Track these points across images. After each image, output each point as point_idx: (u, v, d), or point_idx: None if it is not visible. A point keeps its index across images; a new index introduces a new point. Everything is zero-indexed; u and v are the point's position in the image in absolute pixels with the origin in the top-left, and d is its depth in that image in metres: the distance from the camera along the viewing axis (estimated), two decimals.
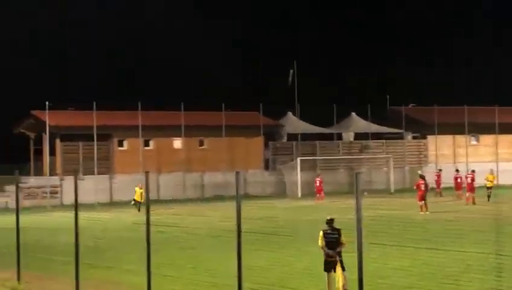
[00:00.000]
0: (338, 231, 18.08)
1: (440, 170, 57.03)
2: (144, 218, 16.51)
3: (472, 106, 68.93)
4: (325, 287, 17.88)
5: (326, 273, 17.87)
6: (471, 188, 46.15)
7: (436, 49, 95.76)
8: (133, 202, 47.65)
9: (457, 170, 53.42)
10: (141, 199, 45.05)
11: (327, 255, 17.82)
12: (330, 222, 18.33)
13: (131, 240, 28.64)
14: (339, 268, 17.65)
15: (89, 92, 67.22)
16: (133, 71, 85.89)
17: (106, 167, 58.82)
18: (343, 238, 17.95)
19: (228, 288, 18.23)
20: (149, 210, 16.03)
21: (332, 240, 17.92)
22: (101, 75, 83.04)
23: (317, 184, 54.54)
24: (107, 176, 58.23)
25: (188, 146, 61.37)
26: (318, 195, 53.19)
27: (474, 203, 43.94)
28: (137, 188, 46.91)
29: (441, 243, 25.48)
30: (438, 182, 55.07)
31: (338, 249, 17.82)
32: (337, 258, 17.75)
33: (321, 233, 18.07)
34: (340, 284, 17.60)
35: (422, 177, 43.12)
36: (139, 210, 44.93)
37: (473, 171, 49.19)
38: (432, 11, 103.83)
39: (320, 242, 17.95)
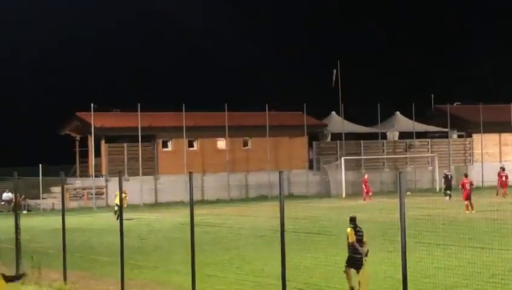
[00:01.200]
0: (362, 229, 18.16)
1: (503, 168, 53.69)
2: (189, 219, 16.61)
3: None
4: (347, 281, 17.91)
5: (347, 268, 17.85)
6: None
7: (483, 46, 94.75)
8: (116, 208, 39.41)
9: (503, 168, 52.94)
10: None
11: (355, 252, 17.78)
12: (354, 219, 18.35)
13: (177, 241, 28.84)
14: (365, 269, 17.61)
15: (133, 94, 67.85)
16: (177, 72, 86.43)
17: (151, 167, 59.22)
18: (366, 239, 18.06)
19: (273, 288, 18.29)
20: (193, 210, 16.13)
21: (360, 238, 18.01)
22: (146, 77, 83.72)
23: (366, 183, 53.86)
24: (152, 176, 58.65)
25: (232, 146, 61.55)
26: (366, 194, 52.69)
27: None
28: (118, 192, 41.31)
29: (487, 242, 25.30)
30: (503, 182, 51.97)
31: (365, 248, 17.84)
32: (365, 257, 17.73)
33: (350, 229, 18.00)
34: (365, 284, 17.51)
35: (467, 176, 43.04)
36: (117, 218, 37.47)
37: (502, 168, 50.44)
38: (476, 9, 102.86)
39: (351, 238, 17.87)
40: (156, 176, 58.90)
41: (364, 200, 50.62)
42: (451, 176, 52.97)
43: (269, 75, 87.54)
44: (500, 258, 21.77)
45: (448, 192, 49.94)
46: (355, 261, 17.75)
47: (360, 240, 17.97)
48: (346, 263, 17.92)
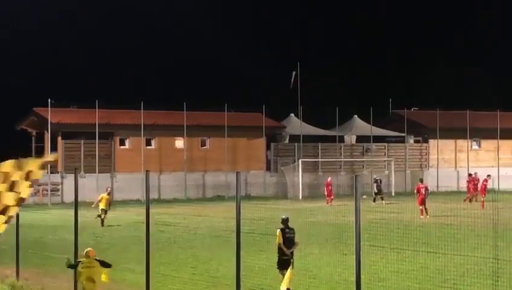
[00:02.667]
0: (293, 230, 18.37)
1: (470, 174, 53.73)
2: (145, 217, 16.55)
3: (474, 111, 68.96)
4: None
5: (279, 271, 18.07)
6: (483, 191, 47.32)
7: (440, 52, 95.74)
8: (100, 212, 37.37)
9: (470, 174, 53.04)
10: (107, 207, 37.61)
11: (283, 254, 18.02)
12: (286, 220, 18.54)
13: (132, 239, 28.75)
14: (290, 267, 17.90)
15: (92, 91, 67.38)
16: (135, 70, 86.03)
17: (107, 165, 58.88)
18: (297, 240, 18.28)
19: (227, 288, 18.29)
20: (149, 209, 16.07)
21: (290, 239, 18.21)
22: (104, 74, 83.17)
23: (328, 187, 53.58)
24: (108, 174, 58.30)
25: (190, 146, 61.43)
26: (328, 197, 52.55)
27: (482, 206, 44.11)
28: (104, 195, 38.43)
29: (440, 247, 25.56)
30: (471, 187, 51.32)
31: (293, 248, 18.14)
32: (292, 257, 18.05)
33: (279, 231, 18.22)
34: (287, 282, 17.77)
35: (422, 181, 43.51)
36: (102, 224, 36.34)
37: (488, 175, 50.47)
38: (435, 14, 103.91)
39: (279, 239, 18.10)
40: (112, 174, 58.56)
41: (327, 203, 50.75)
42: (380, 181, 53.77)
43: (229, 75, 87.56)
44: (452, 263, 22.01)
45: (375, 197, 51.50)
46: (283, 262, 18.00)
47: (291, 240, 18.18)
48: (277, 265, 18.12)
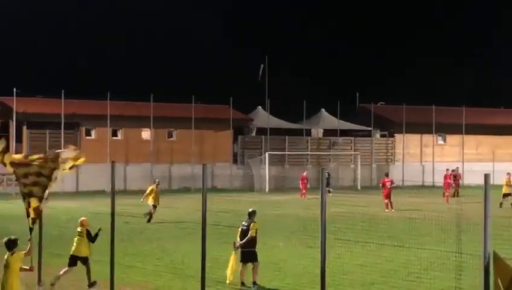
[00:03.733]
0: (250, 223, 18.71)
1: (448, 169, 52.93)
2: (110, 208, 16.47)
3: (440, 106, 69.48)
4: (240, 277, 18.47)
5: (241, 264, 18.46)
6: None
7: (407, 48, 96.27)
8: (151, 209, 34.96)
9: (448, 169, 53.06)
10: (157, 202, 35.16)
11: (236, 247, 18.48)
12: (250, 213, 19.02)
13: (97, 230, 28.54)
14: (236, 258, 18.31)
15: (58, 81, 66.84)
16: (103, 61, 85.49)
17: None
18: (253, 231, 18.52)
19: (192, 280, 18.25)
20: (114, 200, 15.98)
21: (244, 231, 18.65)
22: (71, 64, 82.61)
23: (303, 181, 53.50)
24: None
25: (156, 137, 61.22)
26: (303, 191, 52.47)
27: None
28: (153, 186, 36.53)
29: (405, 240, 25.74)
30: (455, 182, 51.52)
31: (243, 241, 18.44)
32: (249, 249, 18.38)
33: (255, 224, 18.84)
34: (230, 274, 18.24)
35: (388, 175, 43.74)
36: (149, 220, 33.85)
37: (453, 170, 51.32)
38: (402, 11, 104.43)
39: (253, 232, 18.62)
40: (77, 165, 58.06)
41: (301, 196, 50.78)
42: (329, 174, 54.35)
43: (196, 67, 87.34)
44: (416, 256, 22.17)
45: (329, 189, 51.71)
46: (241, 255, 18.44)
47: (243, 234, 18.63)
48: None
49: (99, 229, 17.92)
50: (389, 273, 19.21)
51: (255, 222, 18.82)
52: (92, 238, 18.09)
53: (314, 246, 22.28)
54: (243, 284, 18.35)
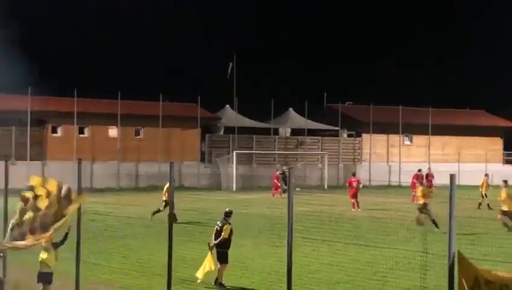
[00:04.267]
0: (224, 225, 18.90)
1: (420, 170, 52.45)
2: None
3: (407, 107, 69.95)
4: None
5: (218, 264, 18.61)
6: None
7: (374, 48, 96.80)
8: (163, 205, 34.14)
9: (420, 170, 52.92)
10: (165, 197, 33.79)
11: (210, 247, 18.64)
12: (226, 213, 19.28)
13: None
14: (212, 258, 18.35)
15: (26, 77, 66.24)
16: (70, 58, 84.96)
17: (39, 153, 58.04)
18: (224, 233, 18.71)
19: (158, 278, 18.21)
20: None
21: (218, 232, 18.91)
22: (38, 60, 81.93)
23: (276, 179, 53.62)
24: (40, 162, 57.48)
25: (123, 135, 60.92)
26: (275, 190, 52.57)
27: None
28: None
29: (371, 240, 25.88)
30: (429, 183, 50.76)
31: (215, 241, 18.61)
32: (215, 249, 18.59)
33: (228, 225, 19.05)
34: (201, 273, 18.21)
35: (354, 174, 43.90)
36: (155, 213, 33.63)
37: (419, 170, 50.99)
38: (370, 11, 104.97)
39: (226, 234, 18.85)
40: (43, 162, 57.75)
41: (273, 195, 50.81)
42: (285, 172, 55.02)
43: (164, 65, 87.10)
44: (382, 256, 22.30)
45: (285, 188, 51.88)
46: (217, 255, 18.64)
47: (217, 234, 18.86)
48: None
49: (68, 229, 17.12)
50: (354, 272, 19.31)
51: (229, 224, 18.85)
52: (59, 244, 16.55)
53: (281, 245, 22.31)
54: (220, 284, 18.32)
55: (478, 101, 79.45)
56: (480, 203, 41.53)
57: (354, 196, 40.47)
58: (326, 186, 61.52)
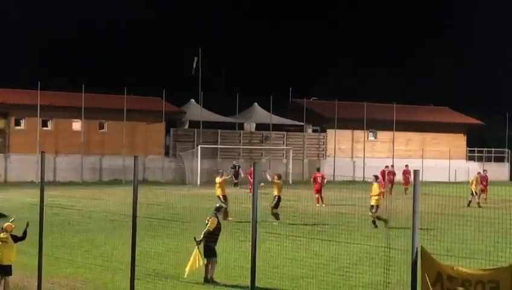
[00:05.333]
0: (209, 218, 18.89)
1: (387, 166, 52.73)
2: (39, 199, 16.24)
3: (371, 103, 70.30)
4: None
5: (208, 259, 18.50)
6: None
7: (340, 44, 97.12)
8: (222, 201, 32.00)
9: (387, 166, 52.81)
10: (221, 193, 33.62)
11: (197, 241, 18.51)
12: (216, 208, 19.31)
13: (25, 221, 28.13)
14: (199, 255, 18.19)
15: None
16: (33, 49, 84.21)
17: (1, 145, 57.46)
18: (209, 226, 18.64)
19: (121, 273, 18.12)
20: (43, 191, 15.76)
21: (219, 228, 18.91)
22: (1, 52, 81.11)
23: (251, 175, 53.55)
24: (2, 154, 56.93)
25: (87, 128, 60.50)
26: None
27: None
28: (218, 178, 34.61)
29: (335, 235, 25.97)
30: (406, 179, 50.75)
31: (201, 237, 18.51)
32: (200, 243, 18.39)
33: (214, 219, 18.96)
34: (188, 269, 18.09)
35: (319, 170, 44.00)
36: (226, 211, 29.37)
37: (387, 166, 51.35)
38: (342, 5, 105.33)
39: (210, 227, 18.80)
40: (6, 155, 57.21)
41: (250, 191, 50.75)
42: (239, 167, 56.40)
43: (129, 58, 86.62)
44: (346, 251, 22.37)
45: (236, 181, 54.10)
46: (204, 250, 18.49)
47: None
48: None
49: (27, 225, 16.61)
50: (318, 267, 19.35)
51: (215, 217, 18.79)
52: (20, 238, 16.53)
53: (245, 240, 22.33)
54: (211, 281, 18.21)
55: (442, 98, 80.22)
56: (470, 201, 40.95)
57: (318, 191, 40.55)
58: (291, 182, 61.59)
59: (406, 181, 50.25)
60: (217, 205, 19.56)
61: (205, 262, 18.30)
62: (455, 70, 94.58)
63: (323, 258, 20.73)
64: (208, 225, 18.65)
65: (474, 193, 41.97)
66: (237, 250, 21.36)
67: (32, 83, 57.66)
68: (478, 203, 41.00)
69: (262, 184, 42.92)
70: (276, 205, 31.11)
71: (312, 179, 42.77)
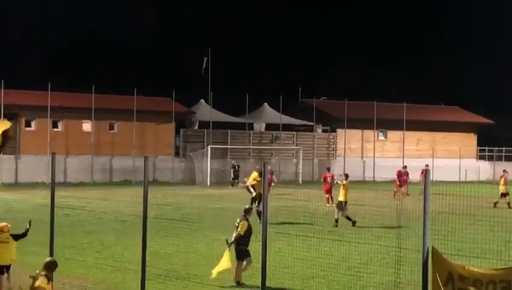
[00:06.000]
0: (240, 221, 18.49)
1: (406, 166, 50.92)
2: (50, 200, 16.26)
3: (381, 102, 70.14)
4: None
5: (237, 262, 18.17)
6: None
7: (349, 44, 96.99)
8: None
9: (405, 166, 51.35)
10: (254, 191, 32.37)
11: (228, 244, 18.25)
12: (245, 210, 18.89)
13: (36, 222, 28.17)
14: (229, 256, 17.94)
15: None
16: (44, 51, 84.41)
17: (12, 146, 57.56)
18: (240, 230, 18.33)
19: (132, 273, 18.15)
20: (54, 192, 15.79)
21: (236, 229, 18.53)
22: (12, 53, 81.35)
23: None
24: (13, 156, 57.07)
25: (97, 129, 60.59)
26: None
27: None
28: (255, 173, 33.23)
29: (345, 235, 25.94)
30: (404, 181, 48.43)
31: (232, 239, 18.28)
32: (232, 246, 18.16)
33: (245, 222, 18.53)
34: (216, 270, 17.86)
35: (329, 169, 43.93)
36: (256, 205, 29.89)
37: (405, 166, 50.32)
38: (350, 5, 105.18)
39: (241, 231, 18.37)
40: (17, 156, 57.35)
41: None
42: (238, 166, 57.23)
43: (139, 59, 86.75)
44: (356, 251, 22.36)
45: (236, 181, 55.02)
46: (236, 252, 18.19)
47: (235, 232, 18.45)
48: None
49: (29, 223, 16.63)
50: (329, 268, 19.33)
51: (246, 220, 18.49)
52: (21, 235, 16.48)
53: (255, 240, 22.32)
54: (237, 283, 18.05)
55: (453, 97, 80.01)
56: (496, 202, 39.98)
57: (329, 191, 40.50)
58: (300, 182, 61.55)
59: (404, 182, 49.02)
60: (246, 207, 19.26)
61: (236, 265, 18.08)
62: (466, 70, 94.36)
63: (334, 258, 20.70)
64: (239, 228, 18.32)
65: (505, 193, 41.10)
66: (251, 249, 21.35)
67: (42, 84, 57.77)
68: (508, 203, 40.43)
69: (272, 184, 42.78)
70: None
71: (322, 179, 42.70)
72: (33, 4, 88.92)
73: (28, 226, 16.58)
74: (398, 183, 47.65)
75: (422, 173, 50.67)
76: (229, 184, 56.36)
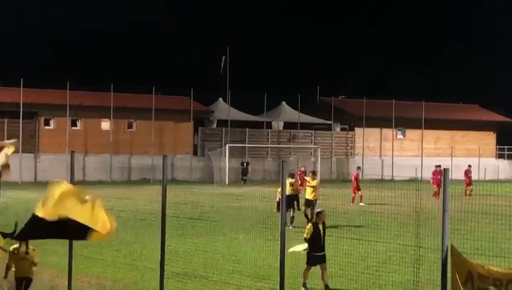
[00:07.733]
0: (323, 224, 17.80)
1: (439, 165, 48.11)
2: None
3: (400, 100, 69.92)
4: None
5: (307, 266, 17.64)
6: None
7: (367, 42, 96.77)
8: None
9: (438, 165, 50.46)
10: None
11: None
12: (317, 213, 18.18)
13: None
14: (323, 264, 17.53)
15: (17, 69, 66.13)
16: (63, 50, 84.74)
17: (31, 145, 57.89)
18: (306, 233, 17.72)
19: (150, 272, 18.19)
20: None
21: (318, 234, 17.55)
22: (31, 53, 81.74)
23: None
24: (32, 154, 57.36)
25: (116, 128, 60.78)
26: None
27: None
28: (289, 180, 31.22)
29: (364, 233, 25.88)
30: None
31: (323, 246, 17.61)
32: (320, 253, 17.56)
33: (310, 225, 17.75)
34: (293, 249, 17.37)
35: (359, 168, 43.59)
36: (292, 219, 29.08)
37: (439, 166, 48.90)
38: (360, 2, 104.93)
39: (306, 234, 17.65)
40: (36, 154, 57.63)
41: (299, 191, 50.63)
42: (247, 164, 57.79)
43: (157, 57, 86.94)
44: (375, 250, 22.30)
45: (244, 178, 56.07)
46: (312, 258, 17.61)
47: (319, 237, 17.73)
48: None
49: (16, 225, 15.46)
50: (347, 266, 19.29)
51: (311, 223, 17.92)
52: (8, 234, 15.64)
53: (273, 239, 22.34)
54: (304, 285, 17.81)
55: (472, 95, 79.61)
56: None
57: (357, 190, 40.22)
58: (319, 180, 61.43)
59: (469, 182, 48.19)
60: (317, 210, 18.79)
61: (309, 269, 17.64)
62: (484, 68, 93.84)
63: (353, 257, 20.67)
64: (305, 232, 17.74)
65: None
66: (265, 249, 21.36)
67: (61, 83, 58.02)
68: None
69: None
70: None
71: (353, 178, 42.04)
72: (52, 3, 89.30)
73: (14, 228, 16.15)
74: (467, 181, 47.77)
75: (465, 174, 49.72)
76: (249, 183, 56.30)
